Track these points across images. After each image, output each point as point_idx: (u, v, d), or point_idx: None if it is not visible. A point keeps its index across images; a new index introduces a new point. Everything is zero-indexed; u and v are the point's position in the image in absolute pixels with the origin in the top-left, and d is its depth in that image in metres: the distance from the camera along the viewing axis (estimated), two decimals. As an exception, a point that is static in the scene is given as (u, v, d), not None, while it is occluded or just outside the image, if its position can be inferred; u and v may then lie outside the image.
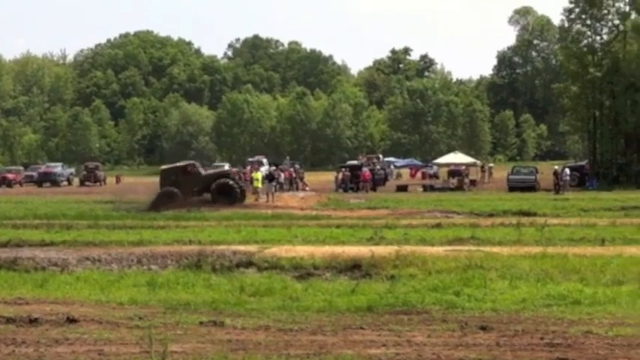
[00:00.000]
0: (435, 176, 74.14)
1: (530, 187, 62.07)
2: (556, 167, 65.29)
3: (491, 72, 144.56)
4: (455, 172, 67.78)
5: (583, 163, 76.64)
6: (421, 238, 26.08)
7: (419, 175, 79.15)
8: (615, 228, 28.54)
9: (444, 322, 13.81)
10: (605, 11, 75.83)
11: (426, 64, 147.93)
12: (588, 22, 75.96)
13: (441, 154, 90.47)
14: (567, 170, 65.51)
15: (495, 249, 22.24)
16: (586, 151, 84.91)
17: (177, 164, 51.20)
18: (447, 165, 70.58)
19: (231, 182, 46.60)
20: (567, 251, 21.28)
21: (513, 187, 62.17)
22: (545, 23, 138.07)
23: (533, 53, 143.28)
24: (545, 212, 37.35)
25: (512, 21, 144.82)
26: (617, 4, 76.14)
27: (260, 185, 51.04)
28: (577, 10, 75.86)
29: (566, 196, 53.08)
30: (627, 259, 19.65)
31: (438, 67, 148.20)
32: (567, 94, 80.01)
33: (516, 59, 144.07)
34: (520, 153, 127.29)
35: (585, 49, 76.33)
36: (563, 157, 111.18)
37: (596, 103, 75.86)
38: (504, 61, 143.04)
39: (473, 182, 67.94)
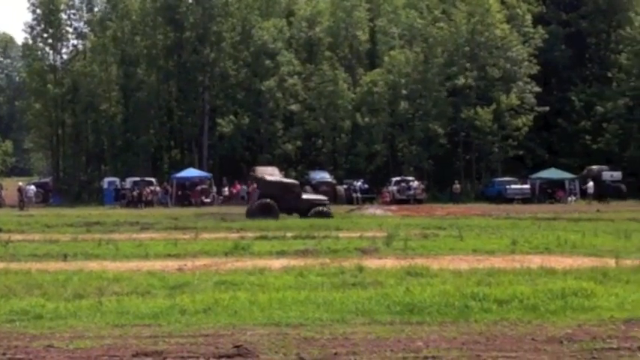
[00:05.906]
0: None
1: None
2: (20, 184, 65.22)
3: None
4: None
5: (47, 179, 77.41)
6: None
7: None
8: (77, 243, 29.43)
9: None
10: (64, 31, 77.39)
11: None
12: (50, 40, 76.91)
13: None
14: (32, 187, 65.81)
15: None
16: (50, 168, 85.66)
17: (283, 180, 47.32)
18: None
19: (327, 210, 45.05)
20: (31, 267, 21.61)
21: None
22: (8, 40, 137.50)
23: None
24: (10, 228, 37.33)
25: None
26: (75, 25, 78.14)
27: None
28: (38, 28, 76.47)
29: (31, 212, 53.34)
30: (88, 273, 20.42)
31: None
32: (31, 112, 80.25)
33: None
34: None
35: (47, 67, 77.25)
36: (28, 174, 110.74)
37: (58, 121, 77.07)
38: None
39: None
